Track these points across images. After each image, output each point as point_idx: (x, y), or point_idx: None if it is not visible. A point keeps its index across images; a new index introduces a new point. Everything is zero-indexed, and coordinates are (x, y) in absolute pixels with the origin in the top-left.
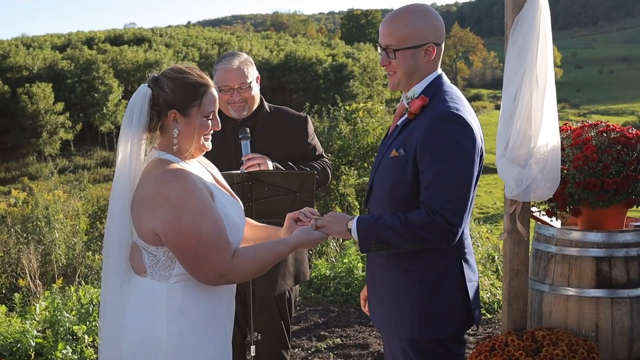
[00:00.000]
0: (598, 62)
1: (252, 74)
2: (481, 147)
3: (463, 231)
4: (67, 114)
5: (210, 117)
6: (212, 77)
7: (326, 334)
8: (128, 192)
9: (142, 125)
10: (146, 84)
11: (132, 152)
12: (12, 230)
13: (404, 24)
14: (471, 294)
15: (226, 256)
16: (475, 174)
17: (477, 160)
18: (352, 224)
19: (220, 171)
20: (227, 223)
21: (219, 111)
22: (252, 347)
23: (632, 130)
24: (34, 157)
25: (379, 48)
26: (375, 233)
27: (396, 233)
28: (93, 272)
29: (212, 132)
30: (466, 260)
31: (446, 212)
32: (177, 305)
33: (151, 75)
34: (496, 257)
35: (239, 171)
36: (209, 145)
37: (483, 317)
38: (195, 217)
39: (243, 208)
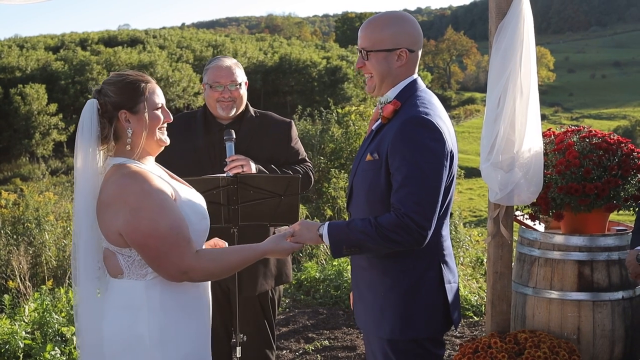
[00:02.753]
0: (590, 66)
1: (242, 76)
2: (451, 151)
3: (442, 233)
4: (60, 115)
5: (159, 108)
6: (201, 80)
7: (314, 336)
8: (90, 202)
9: (95, 134)
10: (91, 98)
11: (89, 163)
12: (2, 231)
13: (380, 29)
14: (450, 295)
15: (186, 253)
16: (445, 177)
17: (447, 163)
18: (323, 230)
19: (205, 174)
20: (194, 212)
21: (207, 111)
22: (238, 349)
23: (613, 136)
24: (27, 158)
25: (358, 52)
26: (347, 237)
27: (367, 236)
28: (72, 274)
29: (165, 124)
30: (445, 262)
31: (414, 214)
32: (156, 300)
33: (94, 89)
34: (485, 260)
35: (225, 174)
36: (165, 138)
37: (471, 319)
38: (153, 216)
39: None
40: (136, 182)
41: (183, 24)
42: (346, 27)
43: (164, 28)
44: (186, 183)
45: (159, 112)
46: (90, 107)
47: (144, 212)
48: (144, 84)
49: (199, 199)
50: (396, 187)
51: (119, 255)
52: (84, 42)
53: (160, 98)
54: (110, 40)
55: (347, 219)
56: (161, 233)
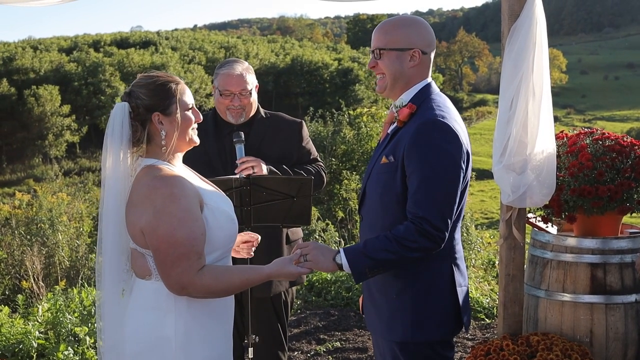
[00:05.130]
0: (603, 68)
1: (252, 81)
2: (468, 153)
3: (454, 236)
4: (73, 117)
5: (191, 109)
6: (212, 81)
7: (326, 337)
8: (119, 204)
9: (126, 137)
10: (121, 101)
11: (120, 166)
12: (16, 232)
13: (393, 29)
14: (461, 298)
15: (192, 267)
16: (461, 179)
17: (463, 166)
18: (341, 258)
19: (216, 175)
20: (224, 216)
21: (217, 113)
22: (250, 350)
23: (627, 138)
24: (40, 159)
25: (370, 54)
26: (368, 259)
27: (390, 253)
28: (96, 274)
29: (196, 124)
30: (457, 265)
31: (432, 216)
32: (184, 303)
33: (123, 92)
34: (496, 262)
35: (237, 176)
36: (196, 138)
37: (482, 321)
38: (173, 222)
39: (238, 211)
40: (166, 186)
41: (195, 26)
42: (358, 29)
43: (176, 30)
44: (214, 185)
45: (190, 113)
46: (122, 110)
47: (166, 216)
48: (174, 85)
49: (228, 202)
50: (413, 190)
51: (148, 257)
52: (96, 43)
53: (190, 98)
54: (122, 42)
55: (358, 220)
56: (176, 240)
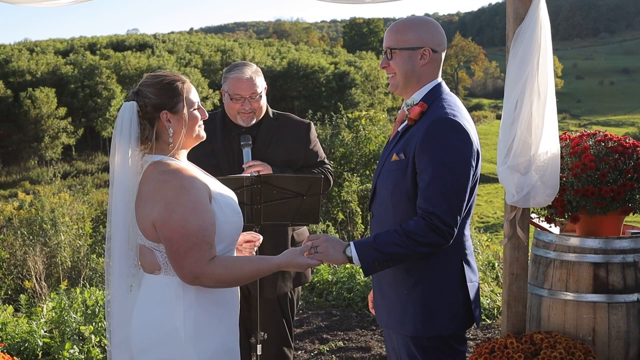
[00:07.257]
0: (599, 73)
1: (262, 84)
2: (478, 151)
3: (464, 233)
4: (69, 119)
5: (197, 107)
6: (220, 85)
7: (329, 337)
8: (128, 201)
9: (134, 136)
10: (129, 100)
11: (128, 163)
12: (18, 232)
13: (404, 29)
14: (472, 293)
15: (204, 257)
16: (471, 177)
17: (474, 164)
18: (351, 251)
19: (224, 175)
20: (230, 209)
21: (226, 115)
22: (259, 347)
23: (629, 140)
24: (35, 161)
25: (383, 53)
26: (377, 253)
27: (400, 247)
28: (97, 275)
29: (202, 121)
30: (467, 262)
31: (442, 212)
32: (193, 295)
33: (130, 91)
34: (496, 264)
35: (249, 174)
36: (203, 134)
37: (483, 322)
38: (185, 213)
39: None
40: (176, 178)
41: (191, 29)
42: (354, 33)
43: (172, 33)
44: (217, 180)
45: (196, 111)
46: (130, 109)
47: (178, 207)
48: (181, 84)
49: (233, 196)
50: (423, 187)
51: (157, 251)
52: (93, 46)
53: (196, 97)
54: (118, 45)
55: (365, 219)
56: (188, 231)
